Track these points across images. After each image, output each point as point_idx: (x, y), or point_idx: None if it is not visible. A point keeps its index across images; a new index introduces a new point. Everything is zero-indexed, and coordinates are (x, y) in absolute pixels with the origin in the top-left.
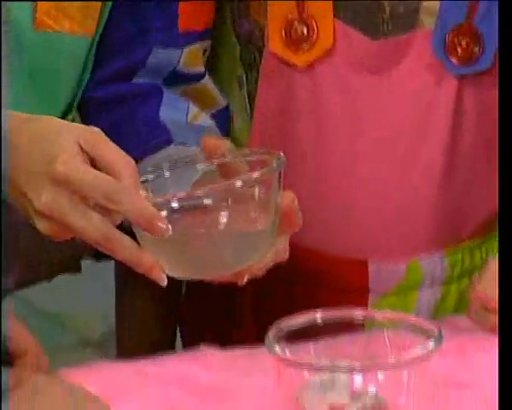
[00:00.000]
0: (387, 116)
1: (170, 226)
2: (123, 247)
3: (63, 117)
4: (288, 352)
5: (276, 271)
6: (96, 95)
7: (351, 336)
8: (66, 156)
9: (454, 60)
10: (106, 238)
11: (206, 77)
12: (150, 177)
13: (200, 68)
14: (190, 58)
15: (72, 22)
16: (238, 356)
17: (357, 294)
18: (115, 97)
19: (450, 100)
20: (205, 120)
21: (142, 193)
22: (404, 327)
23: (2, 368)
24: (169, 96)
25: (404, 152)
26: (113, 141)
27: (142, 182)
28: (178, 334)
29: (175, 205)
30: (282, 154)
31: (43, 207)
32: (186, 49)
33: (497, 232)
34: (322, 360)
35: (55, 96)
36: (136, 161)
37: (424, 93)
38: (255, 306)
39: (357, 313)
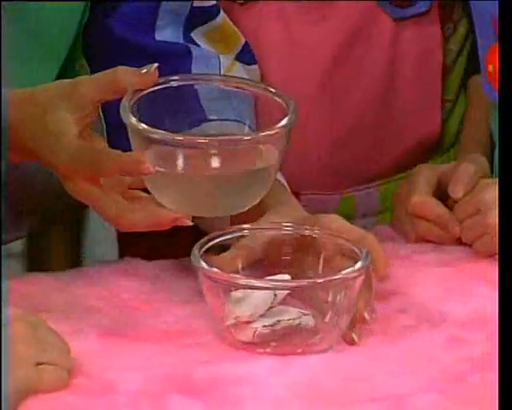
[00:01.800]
0: (325, 52)
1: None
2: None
3: (66, 67)
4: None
5: None
6: (116, 37)
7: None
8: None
9: (391, 0)
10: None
11: (222, 12)
12: None
13: (213, 0)
14: None
15: None
16: (165, 267)
17: None
18: (140, 49)
19: (386, 40)
20: (239, 73)
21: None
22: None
23: None
24: (198, 53)
25: (337, 88)
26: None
27: None
28: None
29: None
30: (293, 105)
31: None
32: None
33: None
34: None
35: (50, 46)
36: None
37: (360, 32)
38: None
39: (287, 228)
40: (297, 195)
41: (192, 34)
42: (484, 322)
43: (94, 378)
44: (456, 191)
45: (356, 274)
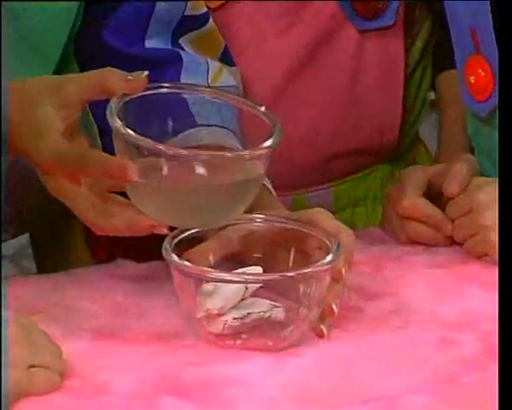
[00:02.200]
0: (290, 57)
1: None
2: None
3: (59, 72)
4: (185, 260)
5: None
6: (108, 46)
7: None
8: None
9: (358, 12)
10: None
11: (211, 18)
12: None
13: (205, 8)
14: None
15: None
16: (156, 269)
17: None
18: (130, 57)
19: (350, 50)
20: (227, 78)
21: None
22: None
23: None
24: (188, 59)
25: (300, 92)
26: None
27: None
28: None
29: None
30: (279, 125)
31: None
32: None
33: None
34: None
35: (43, 51)
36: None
37: (326, 41)
38: None
39: (261, 220)
40: None
41: (180, 41)
42: (476, 323)
43: (86, 380)
44: (451, 189)
45: (326, 267)
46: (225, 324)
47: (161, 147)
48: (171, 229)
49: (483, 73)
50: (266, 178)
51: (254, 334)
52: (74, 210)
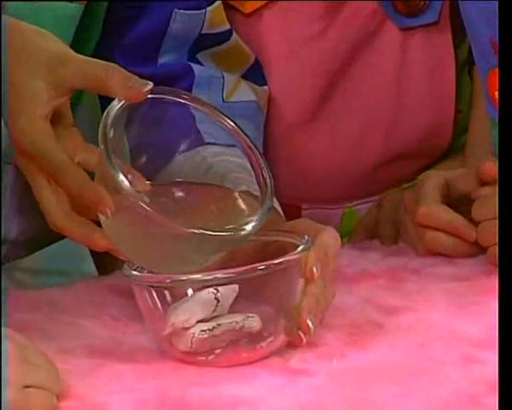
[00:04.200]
0: (326, 66)
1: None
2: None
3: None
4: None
5: None
6: (120, 65)
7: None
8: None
9: (399, 10)
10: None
11: (234, 34)
12: None
13: (226, 25)
14: (215, 16)
15: None
16: None
17: None
18: (142, 77)
19: (393, 51)
20: (244, 93)
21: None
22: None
23: None
24: (200, 72)
25: (340, 102)
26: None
27: None
28: None
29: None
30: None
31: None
32: (209, 8)
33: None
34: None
35: None
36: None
37: (365, 44)
38: None
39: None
40: (298, 209)
41: (198, 55)
42: None
43: (84, 401)
44: (481, 189)
45: (293, 258)
46: (192, 338)
47: (148, 210)
48: None
49: None
50: (276, 202)
51: (227, 348)
52: (38, 197)
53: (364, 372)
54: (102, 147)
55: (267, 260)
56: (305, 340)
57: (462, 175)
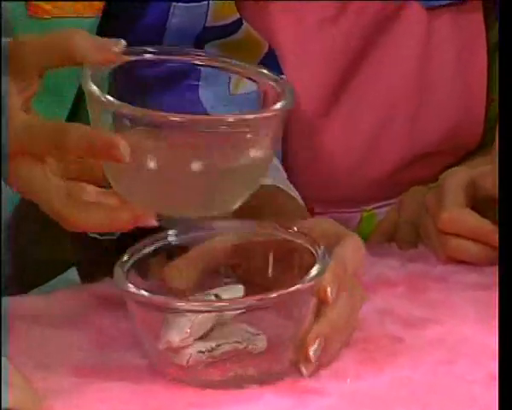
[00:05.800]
0: (342, 52)
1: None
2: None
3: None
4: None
5: None
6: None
7: None
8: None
9: None
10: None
11: (244, 23)
12: None
13: (234, 15)
14: (221, 8)
15: (77, 4)
16: None
17: None
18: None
19: (418, 33)
20: (249, 85)
21: None
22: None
23: None
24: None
25: (359, 90)
26: None
27: None
28: None
29: None
30: (290, 87)
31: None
32: (212, 1)
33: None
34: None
35: (58, 91)
36: None
37: (385, 26)
38: None
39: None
40: (311, 212)
41: (206, 47)
42: None
43: None
44: None
45: (306, 286)
46: (189, 358)
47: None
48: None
49: None
50: (289, 184)
51: (226, 368)
52: (39, 201)
53: (381, 393)
54: (86, 86)
55: (278, 261)
56: (306, 373)
57: (490, 173)
